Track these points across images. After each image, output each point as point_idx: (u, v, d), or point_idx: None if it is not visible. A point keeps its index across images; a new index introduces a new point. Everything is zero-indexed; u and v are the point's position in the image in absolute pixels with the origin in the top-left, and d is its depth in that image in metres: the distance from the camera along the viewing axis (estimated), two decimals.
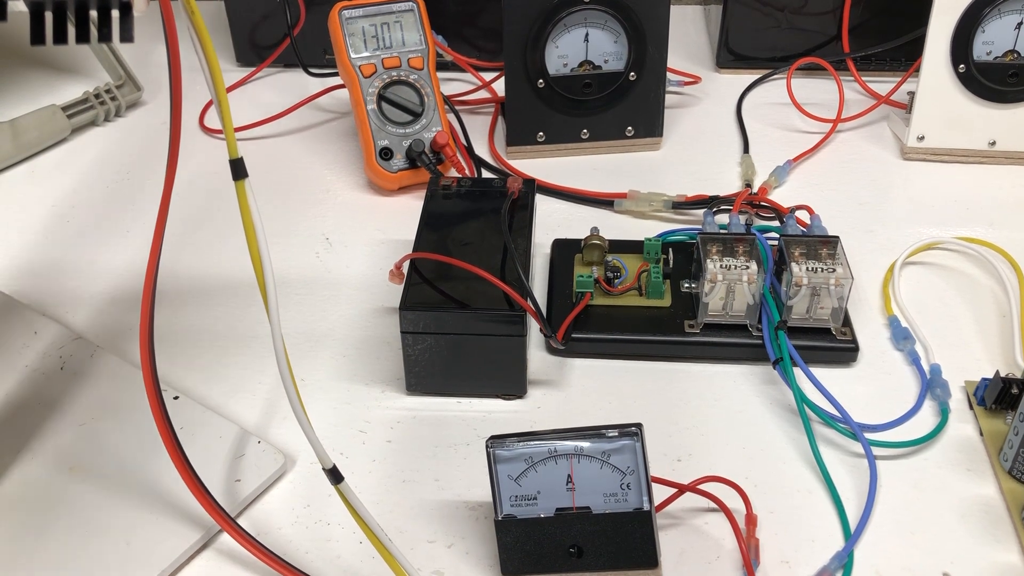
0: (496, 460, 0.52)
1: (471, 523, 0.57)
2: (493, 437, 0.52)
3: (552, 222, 0.80)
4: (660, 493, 0.54)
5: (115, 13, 0.36)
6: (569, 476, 0.52)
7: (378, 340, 0.69)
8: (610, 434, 0.51)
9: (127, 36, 0.36)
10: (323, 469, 0.47)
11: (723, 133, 0.92)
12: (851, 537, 0.54)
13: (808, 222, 0.71)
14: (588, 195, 0.81)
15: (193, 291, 0.73)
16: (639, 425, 0.51)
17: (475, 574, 0.53)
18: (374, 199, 0.84)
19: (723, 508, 0.55)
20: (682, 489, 0.54)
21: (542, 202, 0.82)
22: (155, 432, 0.49)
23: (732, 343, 0.66)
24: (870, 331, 0.69)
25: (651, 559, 0.51)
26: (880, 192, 0.84)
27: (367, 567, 0.54)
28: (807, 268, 0.64)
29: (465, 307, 0.61)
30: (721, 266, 0.64)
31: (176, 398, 0.63)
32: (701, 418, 0.62)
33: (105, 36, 0.36)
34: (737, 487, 0.55)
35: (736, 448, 0.61)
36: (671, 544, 0.55)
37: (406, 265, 0.64)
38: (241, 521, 0.56)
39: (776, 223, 0.75)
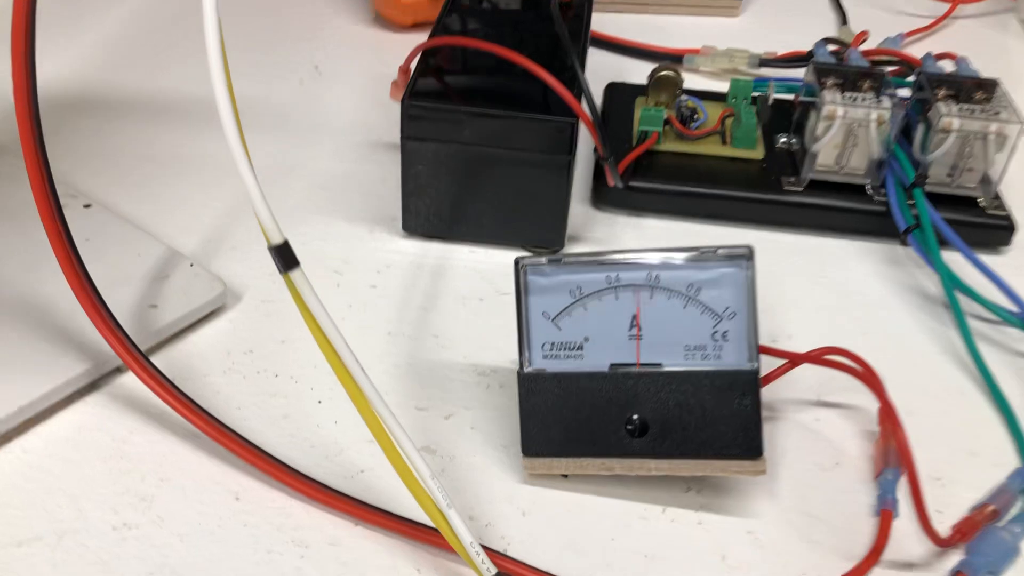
0: (527, 289, 0.36)
1: (479, 391, 0.40)
2: (525, 257, 0.36)
3: (602, 77, 0.63)
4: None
5: None
6: (634, 318, 0.35)
7: (369, 175, 0.52)
8: (704, 257, 0.35)
9: None
10: (268, 247, 0.31)
11: (814, 4, 0.76)
12: None
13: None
14: (651, 49, 0.65)
15: (139, 106, 0.57)
16: (750, 248, 0.35)
17: (480, 455, 0.37)
18: (381, 34, 0.67)
19: (865, 377, 0.37)
20: (794, 360, 0.38)
21: (592, 55, 0.66)
22: None
23: (845, 208, 0.49)
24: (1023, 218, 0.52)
25: (752, 445, 0.34)
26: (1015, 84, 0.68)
27: (326, 433, 0.37)
28: (959, 109, 0.48)
29: (493, 104, 0.45)
30: (843, 99, 0.48)
31: (88, 206, 0.46)
32: (801, 294, 0.46)
33: None
34: (867, 366, 0.38)
35: (853, 332, 0.44)
36: (768, 443, 0.38)
37: (415, 63, 0.48)
38: (154, 360, 0.40)
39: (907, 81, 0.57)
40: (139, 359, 0.36)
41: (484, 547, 0.33)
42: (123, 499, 0.34)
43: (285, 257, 0.31)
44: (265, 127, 0.56)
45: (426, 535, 0.33)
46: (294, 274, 0.31)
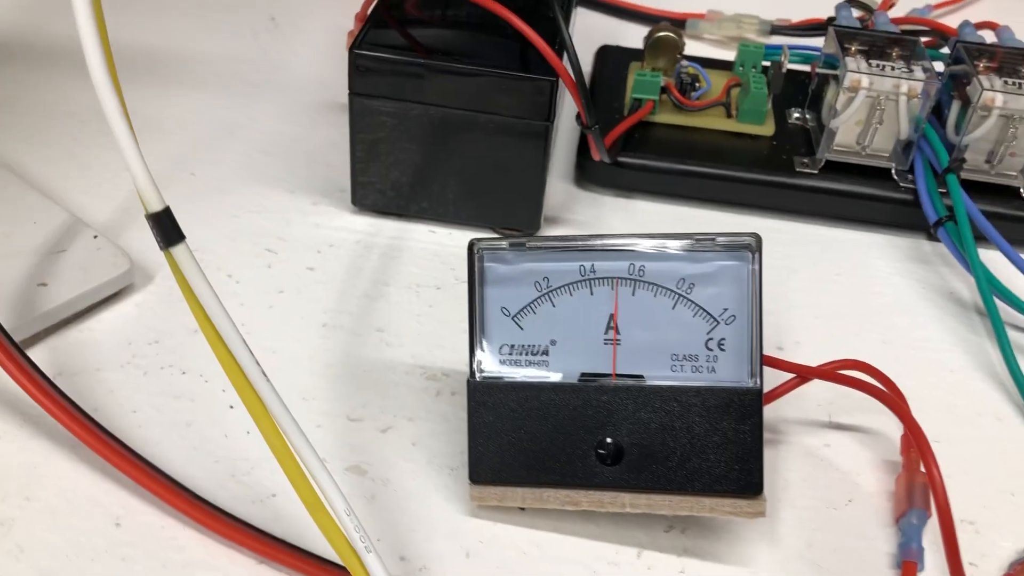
0: (484, 278, 0.30)
1: (426, 400, 0.33)
2: (481, 239, 0.30)
3: (595, 40, 0.56)
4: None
5: None
6: (612, 318, 0.29)
7: (319, 140, 0.45)
8: (701, 246, 0.29)
9: None
10: (146, 215, 0.25)
11: None
12: None
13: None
14: (649, 12, 0.58)
15: (67, 56, 0.50)
16: (757, 237, 0.29)
17: (421, 479, 0.30)
18: None
19: (888, 399, 0.30)
20: (804, 374, 0.31)
21: (582, 16, 0.59)
22: None
23: (867, 194, 0.42)
24: None
25: (750, 481, 0.28)
26: None
27: (236, 446, 0.30)
28: (1003, 83, 0.41)
29: (459, 58, 0.38)
30: (869, 67, 0.42)
31: None
32: (813, 295, 0.39)
33: None
34: (892, 384, 0.32)
35: (871, 341, 0.37)
36: (768, 473, 0.31)
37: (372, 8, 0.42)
38: (37, 351, 0.34)
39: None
40: (6, 347, 0.30)
41: None
42: None
43: (165, 228, 0.24)
44: (206, 84, 0.49)
45: None
46: (176, 250, 0.24)
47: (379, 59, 0.37)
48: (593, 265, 0.29)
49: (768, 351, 0.35)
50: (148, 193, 0.24)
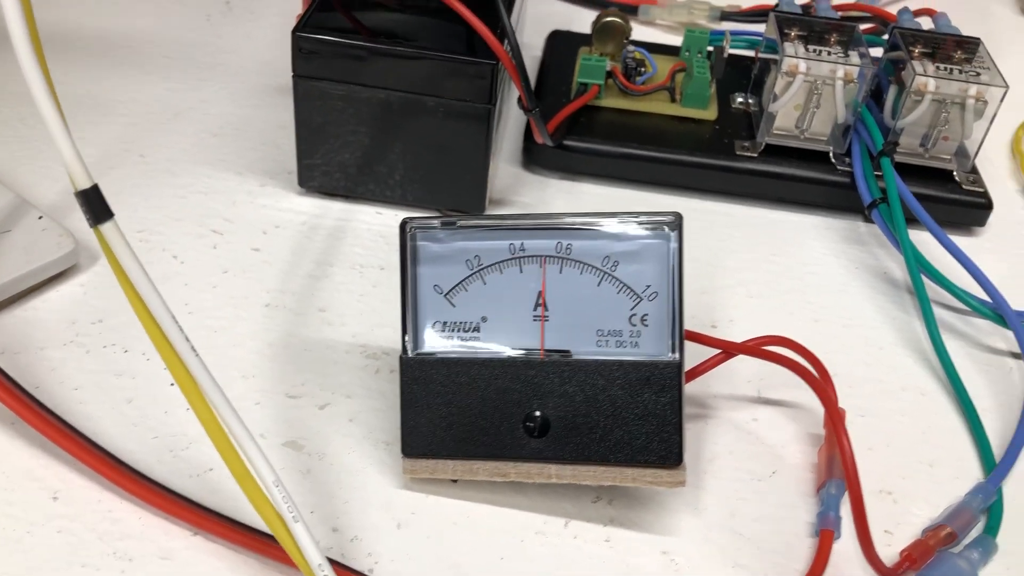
0: (416, 257, 0.30)
1: (365, 377, 0.34)
2: (413, 218, 0.30)
3: (548, 26, 0.57)
4: (689, 358, 0.32)
5: None
6: (540, 295, 0.30)
7: (269, 122, 0.46)
8: (624, 225, 0.30)
9: None
10: (75, 192, 0.25)
11: None
12: (999, 466, 0.33)
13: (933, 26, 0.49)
14: None
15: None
16: (678, 216, 0.30)
17: (356, 454, 0.31)
18: None
19: (806, 373, 0.31)
20: (728, 350, 0.32)
21: (538, 2, 0.60)
22: None
23: (805, 177, 0.43)
24: (998, 195, 0.45)
25: (670, 451, 0.29)
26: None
27: (175, 422, 0.31)
28: (936, 69, 0.42)
29: (401, 41, 0.38)
30: (807, 53, 0.42)
31: None
32: (750, 275, 0.40)
33: None
34: (814, 359, 0.33)
35: (804, 319, 0.38)
36: (695, 446, 0.33)
37: None
38: None
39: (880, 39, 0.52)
40: None
41: (344, 568, 0.27)
42: None
43: (93, 205, 0.25)
44: (157, 67, 0.49)
45: (276, 550, 0.28)
46: (105, 227, 0.25)
47: (322, 41, 0.38)
48: (523, 244, 0.30)
49: (702, 329, 0.36)
50: (76, 170, 0.25)
